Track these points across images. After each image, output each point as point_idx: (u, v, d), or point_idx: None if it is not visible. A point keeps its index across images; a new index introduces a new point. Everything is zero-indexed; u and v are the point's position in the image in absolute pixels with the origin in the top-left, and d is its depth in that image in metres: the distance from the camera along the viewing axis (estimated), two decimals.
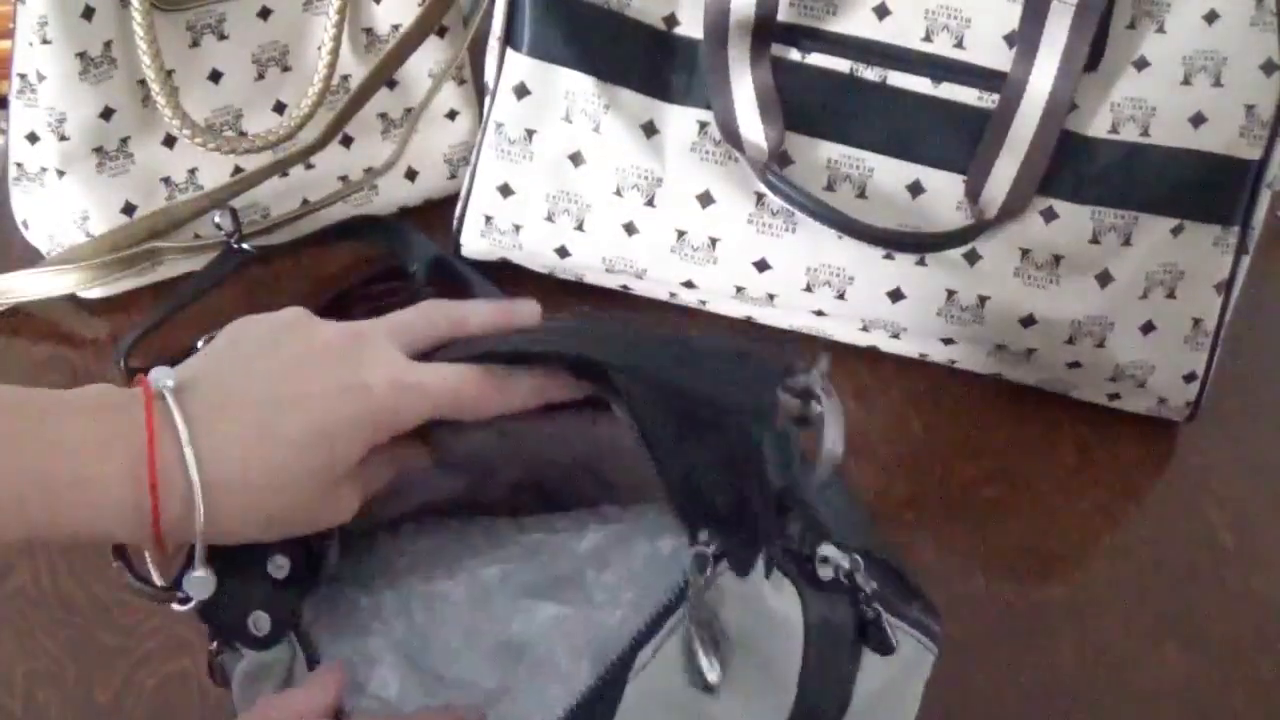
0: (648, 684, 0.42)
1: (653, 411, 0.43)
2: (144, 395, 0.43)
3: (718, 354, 0.45)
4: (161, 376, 0.43)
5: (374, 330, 0.48)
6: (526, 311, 0.50)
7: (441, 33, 0.78)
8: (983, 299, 0.70)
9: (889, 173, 0.69)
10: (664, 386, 0.43)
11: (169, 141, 0.72)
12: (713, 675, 0.41)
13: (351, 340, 0.47)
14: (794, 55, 0.69)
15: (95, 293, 0.73)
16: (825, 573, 0.42)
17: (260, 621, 0.45)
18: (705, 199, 0.71)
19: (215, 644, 0.47)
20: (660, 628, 0.42)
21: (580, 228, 0.73)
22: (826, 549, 0.42)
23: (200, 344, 0.68)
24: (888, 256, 0.70)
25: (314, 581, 0.47)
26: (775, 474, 0.41)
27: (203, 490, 0.42)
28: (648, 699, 0.41)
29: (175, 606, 0.44)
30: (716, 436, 0.41)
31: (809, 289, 0.71)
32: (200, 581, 0.43)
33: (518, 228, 0.74)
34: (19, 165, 0.72)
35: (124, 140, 0.71)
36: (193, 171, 0.73)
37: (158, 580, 0.45)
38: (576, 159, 0.72)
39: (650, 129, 0.71)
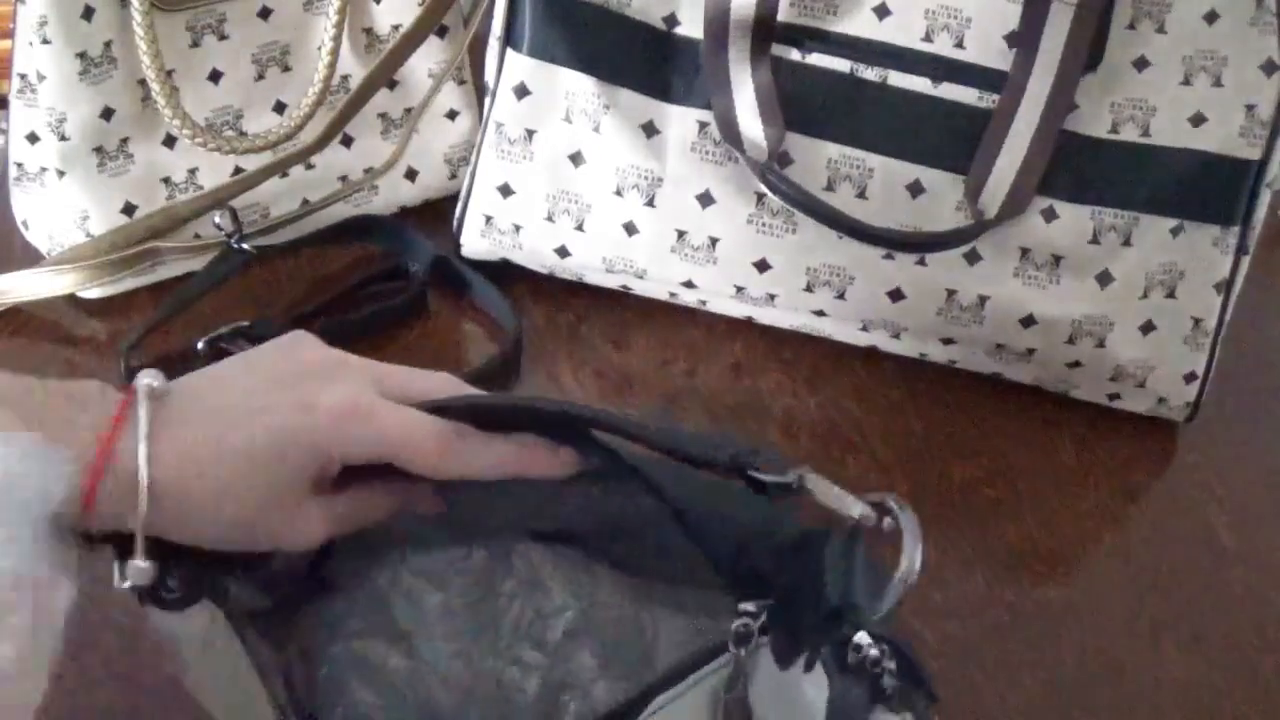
0: None
1: (678, 485, 0.43)
2: (123, 392, 0.44)
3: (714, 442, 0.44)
4: (146, 377, 0.44)
5: (359, 362, 0.48)
6: (543, 460, 0.47)
7: (441, 33, 0.78)
8: (983, 299, 0.70)
9: (889, 173, 0.69)
10: (679, 461, 0.43)
11: (169, 141, 0.72)
12: None
13: (328, 364, 0.47)
14: (794, 55, 0.69)
15: (95, 293, 0.73)
16: (854, 658, 0.41)
17: (170, 585, 0.45)
18: (705, 199, 0.71)
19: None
20: (688, 676, 0.42)
21: (580, 228, 0.73)
22: (861, 636, 0.41)
23: (200, 345, 0.68)
24: (888, 256, 0.70)
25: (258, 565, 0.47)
26: (836, 583, 0.40)
27: (149, 487, 0.42)
28: None
29: (115, 581, 0.45)
30: (770, 536, 0.42)
31: (809, 289, 0.71)
32: (139, 570, 0.44)
33: (518, 228, 0.74)
34: (19, 165, 0.72)
35: (124, 140, 0.71)
36: (193, 171, 0.73)
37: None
38: (576, 159, 0.72)
39: (650, 129, 0.71)
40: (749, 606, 0.41)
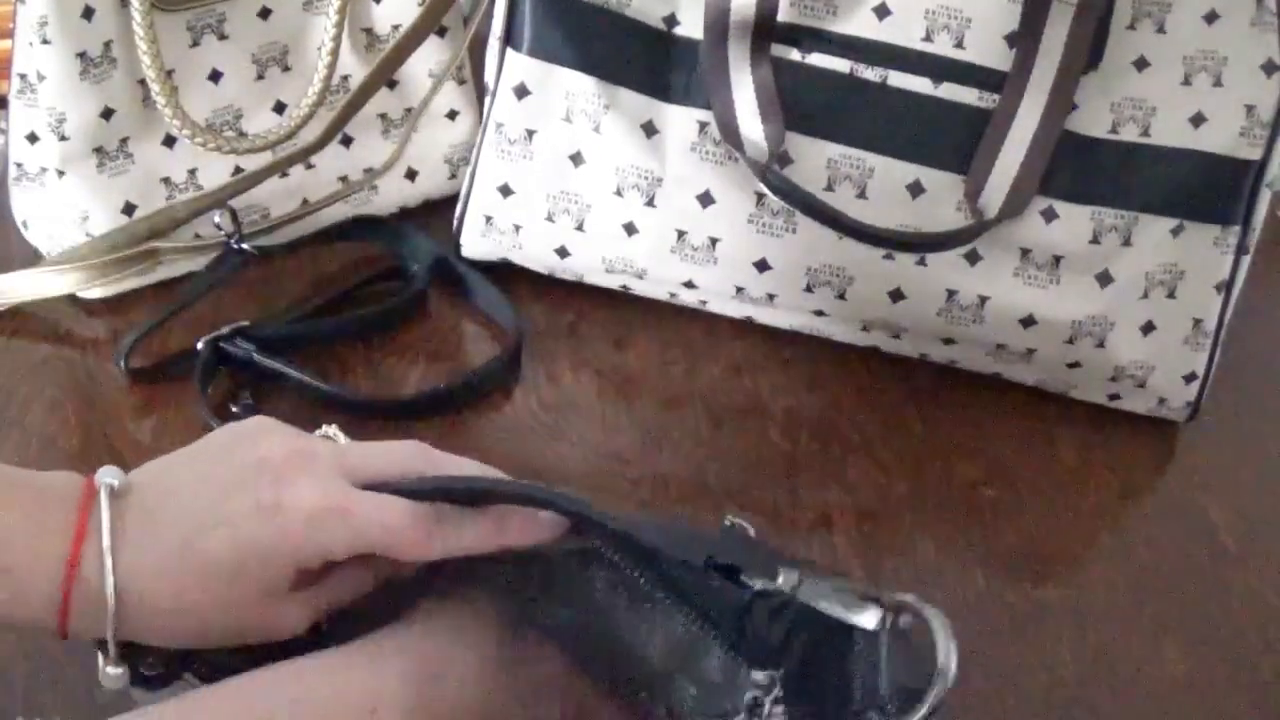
0: None
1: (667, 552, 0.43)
2: (84, 493, 0.43)
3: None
4: (106, 476, 0.43)
5: (326, 451, 0.46)
6: (524, 529, 0.46)
7: (441, 33, 0.78)
8: (983, 299, 0.70)
9: (889, 173, 0.69)
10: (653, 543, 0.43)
11: (169, 141, 0.72)
12: None
13: (292, 458, 0.45)
14: (794, 55, 0.69)
15: (95, 293, 0.73)
16: None
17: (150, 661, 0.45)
18: (705, 199, 0.71)
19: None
20: None
21: (580, 228, 0.73)
22: (871, 715, 0.41)
23: (200, 345, 0.68)
24: (888, 257, 0.70)
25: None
26: (862, 683, 0.40)
27: (116, 598, 0.42)
28: None
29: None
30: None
31: (809, 289, 0.71)
32: (112, 677, 0.44)
33: (518, 228, 0.74)
34: (19, 165, 0.72)
35: (124, 140, 0.71)
36: (193, 171, 0.73)
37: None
38: (576, 159, 0.72)
39: (650, 129, 0.71)
40: (759, 678, 0.41)
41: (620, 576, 0.44)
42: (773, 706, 0.40)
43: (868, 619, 0.40)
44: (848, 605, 0.40)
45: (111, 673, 0.44)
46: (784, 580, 0.41)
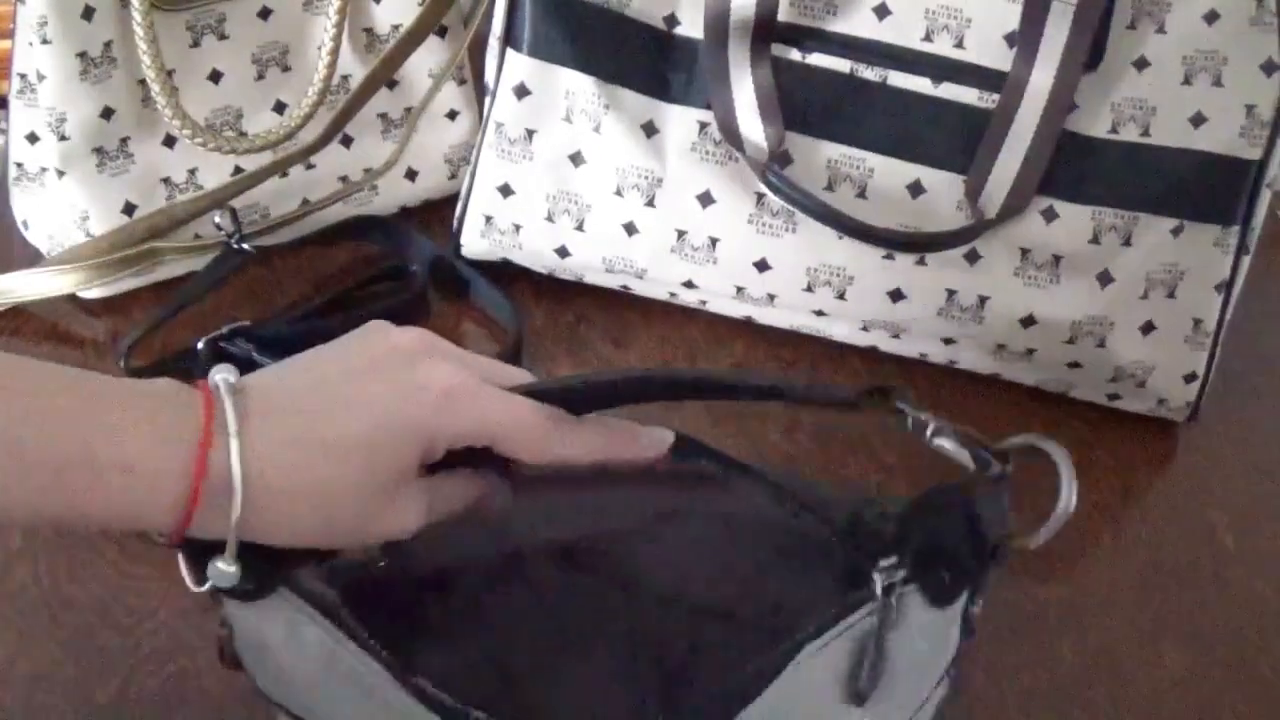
0: (805, 673, 0.43)
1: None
2: (203, 392, 0.42)
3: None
4: (223, 374, 0.43)
5: (449, 344, 0.47)
6: (629, 444, 0.49)
7: (441, 33, 0.78)
8: (983, 299, 0.70)
9: (889, 173, 0.69)
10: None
11: (169, 141, 0.72)
12: (871, 694, 0.44)
13: (421, 345, 0.46)
14: (794, 55, 0.69)
15: (95, 293, 0.73)
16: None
17: (230, 571, 0.43)
18: (705, 199, 0.71)
19: (224, 626, 0.47)
20: (832, 628, 0.44)
21: (580, 228, 0.73)
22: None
23: (200, 345, 0.68)
24: (888, 256, 0.70)
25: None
26: (992, 525, 0.44)
27: (244, 483, 0.41)
28: (798, 686, 0.43)
29: (190, 584, 0.43)
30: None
31: (809, 289, 0.71)
32: (224, 574, 0.43)
33: (518, 228, 0.74)
34: (19, 165, 0.72)
35: (124, 140, 0.71)
36: (193, 171, 0.73)
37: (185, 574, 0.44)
38: (576, 159, 0.72)
39: (650, 129, 0.71)
40: (885, 564, 0.44)
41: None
42: (903, 586, 0.44)
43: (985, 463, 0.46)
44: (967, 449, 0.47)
45: (224, 569, 0.42)
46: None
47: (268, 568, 0.43)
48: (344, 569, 0.46)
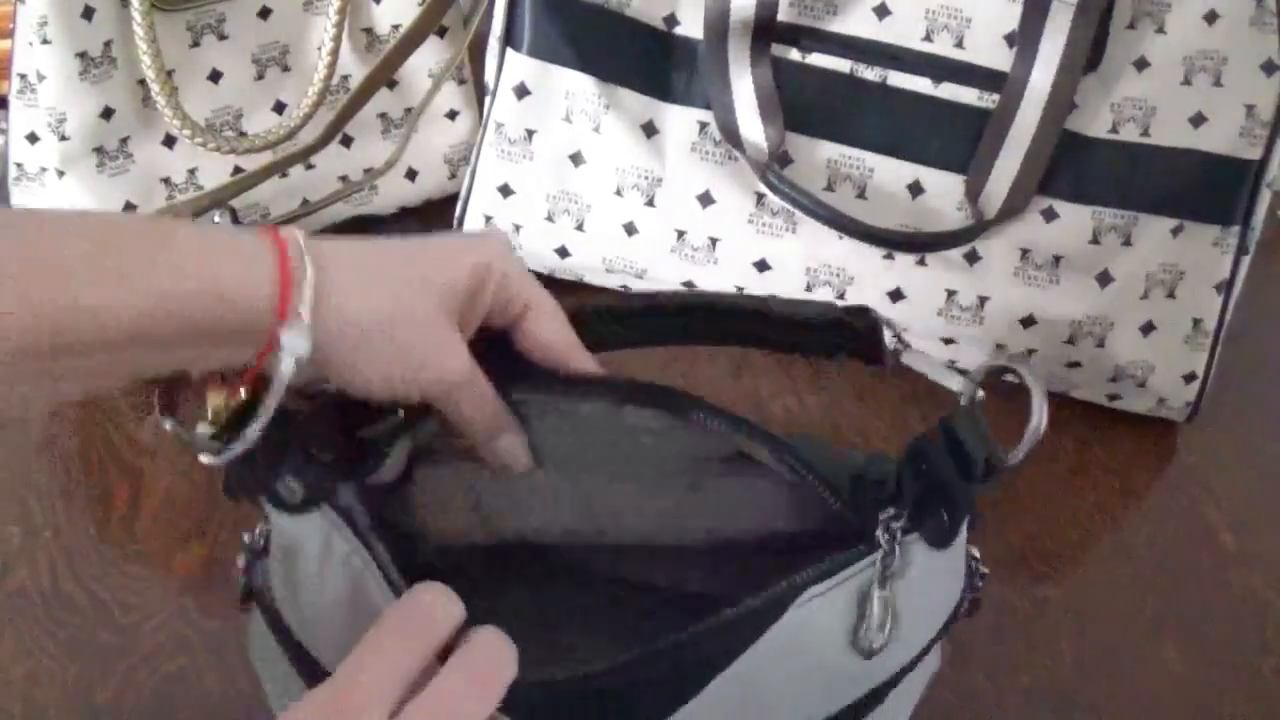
0: (807, 618, 0.43)
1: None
2: (272, 231, 0.43)
3: None
4: (291, 228, 0.44)
5: None
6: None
7: (441, 33, 0.78)
8: (983, 299, 0.70)
9: (889, 173, 0.69)
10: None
11: (169, 141, 0.72)
12: (879, 643, 0.44)
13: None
14: (794, 55, 0.69)
15: None
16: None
17: (292, 486, 0.44)
18: (705, 199, 0.71)
19: (244, 562, 0.47)
20: (834, 575, 0.44)
21: (580, 228, 0.73)
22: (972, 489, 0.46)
23: None
24: (888, 256, 0.70)
25: (363, 473, 0.47)
26: (975, 445, 0.45)
27: (316, 310, 0.42)
28: (801, 632, 0.43)
29: (204, 458, 0.43)
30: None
31: (809, 289, 0.71)
32: (297, 343, 0.42)
33: (518, 228, 0.74)
34: (19, 165, 0.72)
35: (124, 140, 0.71)
36: (193, 171, 0.73)
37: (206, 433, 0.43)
38: (576, 159, 0.72)
39: (650, 129, 0.71)
40: (889, 511, 0.45)
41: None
42: (904, 536, 0.44)
43: (955, 383, 0.48)
44: (944, 375, 0.49)
45: (296, 339, 0.42)
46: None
47: (325, 473, 0.44)
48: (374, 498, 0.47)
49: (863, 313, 0.50)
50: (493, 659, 0.40)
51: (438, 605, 0.41)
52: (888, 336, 0.50)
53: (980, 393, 0.47)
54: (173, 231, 0.41)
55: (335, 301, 0.42)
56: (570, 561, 0.54)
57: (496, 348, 0.48)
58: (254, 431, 0.42)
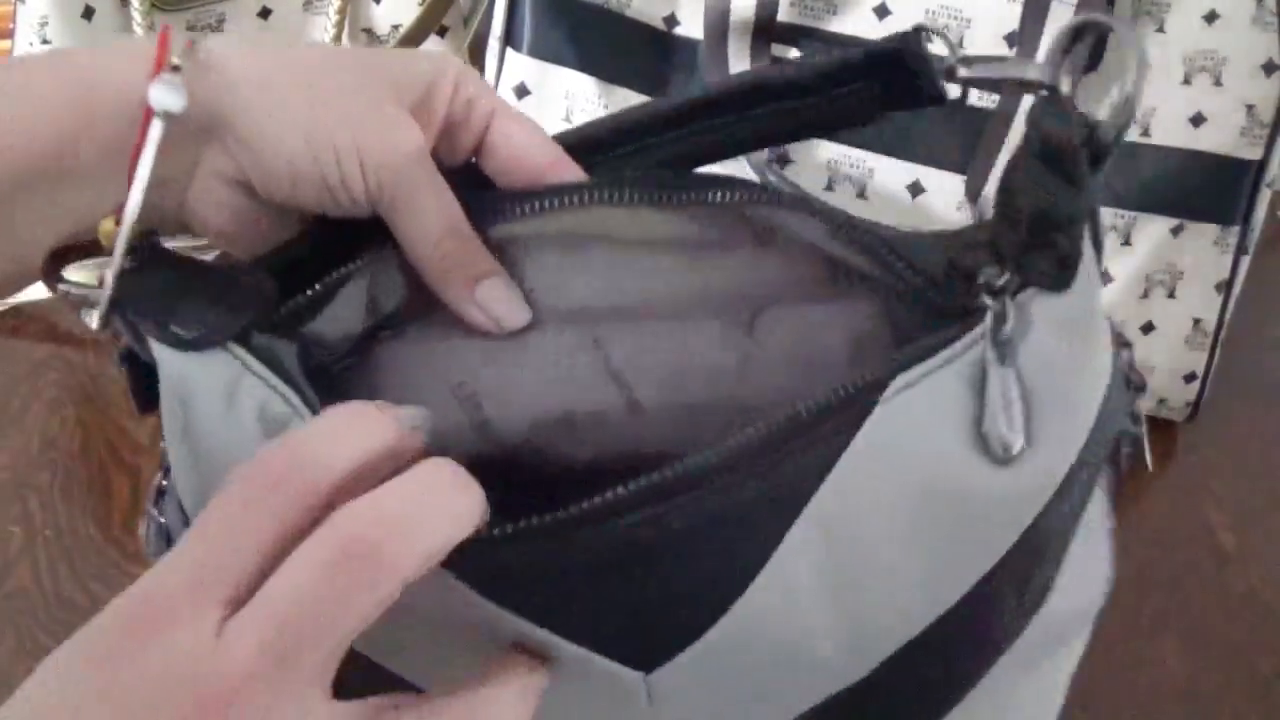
0: (905, 411, 0.33)
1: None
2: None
3: None
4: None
5: None
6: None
7: (442, 32, 0.78)
8: None
9: (889, 173, 0.69)
10: None
11: None
12: (1017, 442, 0.33)
13: None
14: (794, 55, 0.69)
15: None
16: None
17: (185, 317, 0.37)
18: None
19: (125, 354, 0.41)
20: (933, 355, 0.34)
21: None
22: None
23: None
24: None
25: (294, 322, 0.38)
26: (1062, 133, 0.36)
27: (220, 73, 0.37)
28: (899, 433, 0.33)
29: (91, 319, 0.39)
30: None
31: None
32: (170, 94, 0.36)
33: None
34: None
35: None
36: None
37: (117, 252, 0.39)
38: None
39: None
40: (990, 271, 0.35)
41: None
42: (1017, 294, 0.35)
43: (1032, 72, 0.37)
44: (1016, 67, 0.38)
45: (169, 83, 0.36)
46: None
47: (229, 313, 0.36)
48: (315, 354, 0.38)
49: (902, 40, 0.39)
50: (410, 506, 0.29)
51: (325, 442, 0.30)
52: (940, 53, 0.39)
53: (1066, 67, 0.37)
54: (38, 57, 0.38)
55: (223, 55, 0.37)
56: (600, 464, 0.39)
57: (462, 186, 0.39)
58: (122, 239, 0.36)
